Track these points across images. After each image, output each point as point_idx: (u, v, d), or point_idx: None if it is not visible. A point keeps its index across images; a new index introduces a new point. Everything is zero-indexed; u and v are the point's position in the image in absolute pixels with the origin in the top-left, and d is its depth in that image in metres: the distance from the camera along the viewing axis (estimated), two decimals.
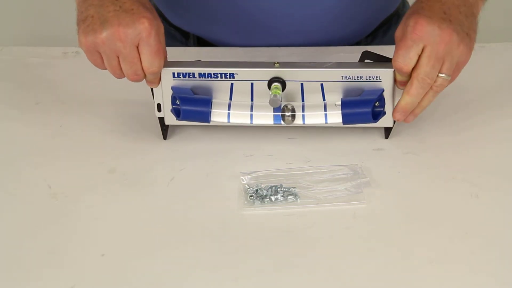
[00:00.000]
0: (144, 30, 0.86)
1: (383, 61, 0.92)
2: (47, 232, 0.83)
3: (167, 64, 0.92)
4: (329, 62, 0.92)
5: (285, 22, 1.11)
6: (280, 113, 0.92)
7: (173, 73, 0.91)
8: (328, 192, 0.86)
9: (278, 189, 0.86)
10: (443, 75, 0.89)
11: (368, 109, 0.90)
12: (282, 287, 0.76)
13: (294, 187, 0.87)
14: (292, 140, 0.96)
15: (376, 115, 0.92)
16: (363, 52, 0.92)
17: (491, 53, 1.13)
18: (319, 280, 0.76)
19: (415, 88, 0.89)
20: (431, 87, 0.89)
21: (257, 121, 0.92)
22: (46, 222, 0.84)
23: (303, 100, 0.92)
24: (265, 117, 0.92)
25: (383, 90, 0.91)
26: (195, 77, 0.92)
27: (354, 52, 1.14)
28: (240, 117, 0.92)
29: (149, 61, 0.88)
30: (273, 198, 0.85)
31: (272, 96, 0.89)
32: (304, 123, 0.92)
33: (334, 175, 0.89)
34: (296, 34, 1.13)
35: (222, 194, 0.87)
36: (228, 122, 0.92)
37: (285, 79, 0.91)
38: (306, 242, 0.81)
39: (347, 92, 0.91)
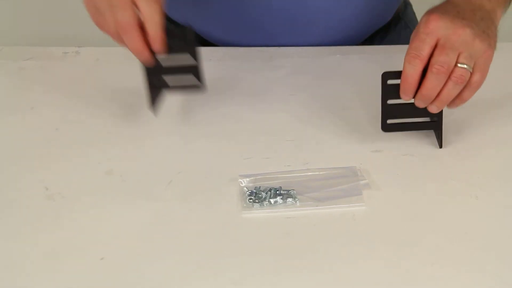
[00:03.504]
0: None
1: None
2: (44, 235, 0.82)
3: None
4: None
5: (280, 23, 1.11)
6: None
7: None
8: (327, 194, 0.86)
9: (277, 192, 0.86)
10: (462, 64, 0.86)
11: None
12: None
13: (293, 189, 0.86)
14: (290, 143, 0.95)
15: None
16: (382, 74, 0.90)
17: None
18: (319, 283, 0.76)
19: (429, 81, 0.86)
20: (449, 77, 0.86)
21: None
22: (43, 224, 0.84)
23: None
24: None
25: None
26: None
27: (350, 53, 1.15)
28: None
29: (144, 3, 0.86)
30: (272, 201, 0.85)
31: None
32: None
33: (333, 177, 0.89)
34: (291, 36, 1.13)
35: (220, 196, 0.87)
36: None
37: None
38: (306, 245, 0.81)
39: None
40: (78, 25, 2.20)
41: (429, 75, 0.86)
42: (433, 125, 0.94)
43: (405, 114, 0.93)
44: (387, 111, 0.93)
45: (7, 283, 0.77)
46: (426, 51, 0.86)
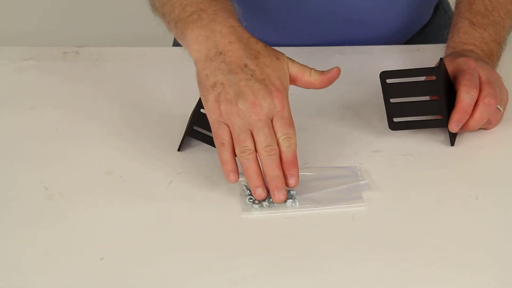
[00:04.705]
0: (278, 104, 0.84)
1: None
2: (44, 234, 0.82)
3: None
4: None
5: (330, 23, 1.13)
6: None
7: None
8: (327, 195, 0.86)
9: None
10: (500, 107, 0.93)
11: None
12: None
13: (293, 189, 0.86)
14: None
15: None
16: (381, 74, 0.92)
17: None
18: (319, 283, 0.76)
19: (479, 111, 0.91)
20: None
21: None
22: (43, 224, 0.84)
23: None
24: None
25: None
26: None
27: (350, 53, 1.14)
28: None
29: (283, 131, 0.84)
30: (271, 201, 0.85)
31: None
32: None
33: (333, 178, 0.88)
34: (341, 33, 1.15)
35: (220, 197, 0.87)
36: None
37: None
38: (305, 245, 0.81)
39: None
40: (78, 25, 2.21)
41: (481, 106, 0.91)
42: (440, 122, 0.94)
43: (410, 112, 0.94)
44: (392, 110, 0.93)
45: (7, 282, 0.77)
46: (478, 83, 0.91)
